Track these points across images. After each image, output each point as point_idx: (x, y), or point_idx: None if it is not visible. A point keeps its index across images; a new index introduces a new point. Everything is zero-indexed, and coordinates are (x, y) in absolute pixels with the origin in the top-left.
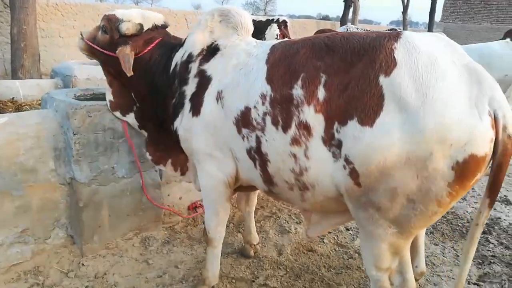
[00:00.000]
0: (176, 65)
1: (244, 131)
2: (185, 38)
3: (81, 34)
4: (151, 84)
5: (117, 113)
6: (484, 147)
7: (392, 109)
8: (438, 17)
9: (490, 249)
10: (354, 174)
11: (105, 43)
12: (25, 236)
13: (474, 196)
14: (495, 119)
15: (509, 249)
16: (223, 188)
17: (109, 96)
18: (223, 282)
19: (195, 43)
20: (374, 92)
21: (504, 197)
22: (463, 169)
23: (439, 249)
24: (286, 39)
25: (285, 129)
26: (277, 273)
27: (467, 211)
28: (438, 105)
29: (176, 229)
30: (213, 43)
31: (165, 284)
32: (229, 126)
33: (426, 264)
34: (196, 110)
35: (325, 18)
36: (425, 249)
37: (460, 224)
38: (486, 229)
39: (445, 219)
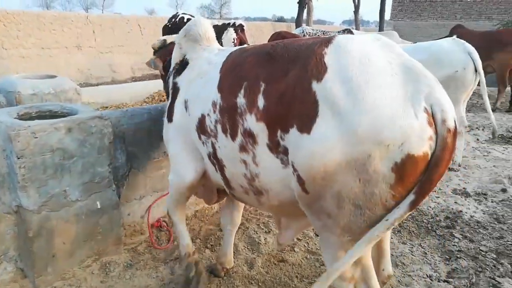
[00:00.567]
0: (167, 81)
1: (203, 137)
2: None
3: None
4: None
5: None
6: (422, 146)
7: (326, 114)
8: (388, 15)
9: (456, 244)
10: (300, 181)
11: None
12: None
13: (435, 191)
14: (433, 115)
15: (473, 242)
16: (186, 190)
17: None
18: None
19: (174, 59)
20: (308, 99)
21: (463, 190)
22: (403, 170)
23: (408, 247)
24: (244, 45)
25: (233, 136)
26: None
27: (430, 207)
28: (370, 106)
29: (139, 250)
30: (183, 58)
31: None
32: (194, 132)
33: (396, 265)
34: (170, 117)
35: (280, 19)
36: (393, 249)
37: (425, 221)
38: (450, 224)
39: (410, 217)
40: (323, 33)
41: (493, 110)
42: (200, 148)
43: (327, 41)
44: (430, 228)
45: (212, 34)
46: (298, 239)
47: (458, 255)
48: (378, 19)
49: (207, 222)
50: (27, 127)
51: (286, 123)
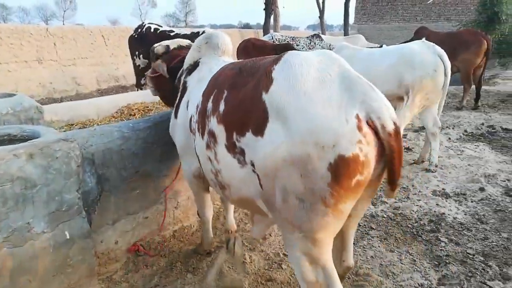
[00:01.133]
0: (178, 79)
1: (191, 135)
2: None
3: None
4: (171, 90)
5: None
6: (351, 148)
7: (274, 119)
8: (351, 19)
9: (443, 248)
10: (258, 178)
11: (151, 69)
12: None
13: (416, 194)
14: (373, 123)
15: (460, 245)
16: (194, 178)
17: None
18: None
19: (188, 60)
20: (260, 107)
21: (443, 191)
22: (337, 170)
23: (396, 255)
24: (236, 61)
25: (203, 135)
26: None
27: (413, 210)
28: (308, 112)
29: (114, 279)
30: (198, 60)
31: None
32: (188, 130)
33: (387, 275)
34: (176, 114)
35: (246, 26)
36: (382, 258)
37: (409, 225)
38: (434, 227)
39: (394, 222)
40: (292, 39)
41: (460, 109)
42: (190, 143)
43: (278, 58)
44: (415, 233)
45: (229, 48)
46: (284, 254)
47: (447, 260)
48: (342, 23)
49: (187, 242)
50: None
51: (242, 127)
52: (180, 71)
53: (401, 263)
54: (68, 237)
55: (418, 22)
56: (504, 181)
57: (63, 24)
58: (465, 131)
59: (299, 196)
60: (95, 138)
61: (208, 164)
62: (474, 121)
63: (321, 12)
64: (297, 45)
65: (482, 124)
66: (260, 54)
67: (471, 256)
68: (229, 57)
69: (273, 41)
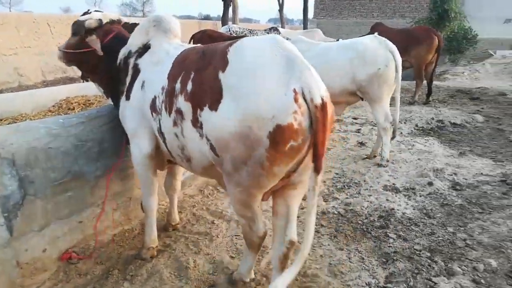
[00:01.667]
0: (120, 60)
1: (154, 115)
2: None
3: (58, 48)
4: (109, 71)
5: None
6: (287, 118)
7: (228, 96)
8: (311, 14)
9: (391, 245)
10: (213, 148)
11: (77, 43)
12: None
13: (367, 189)
14: (303, 95)
15: (407, 241)
16: (147, 159)
17: (100, 89)
18: None
19: (134, 42)
20: (216, 85)
21: (393, 185)
22: (275, 137)
23: (345, 254)
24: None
25: (170, 114)
26: None
27: (363, 206)
28: (253, 90)
29: None
30: (147, 42)
31: None
32: (147, 110)
33: (335, 275)
34: (128, 95)
35: (207, 17)
36: (331, 256)
37: (360, 222)
38: (384, 223)
39: (345, 219)
40: (250, 32)
41: (412, 103)
42: (152, 124)
43: (233, 42)
44: (365, 230)
45: (179, 32)
46: (231, 256)
47: (395, 257)
48: (302, 17)
49: (127, 247)
50: None
51: (202, 103)
52: (125, 52)
53: (350, 262)
54: None
55: (374, 18)
56: (451, 175)
57: (10, 10)
58: (416, 125)
59: (243, 162)
60: (17, 136)
61: (175, 141)
62: (425, 115)
63: (281, 5)
64: None
65: (432, 118)
66: None
67: (418, 252)
68: (179, 40)
69: (230, 33)
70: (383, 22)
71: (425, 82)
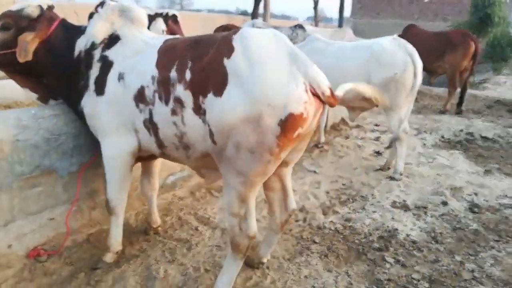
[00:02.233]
0: (80, 52)
1: (141, 105)
2: (85, 27)
3: None
4: (61, 65)
5: (51, 102)
6: (299, 108)
7: (233, 82)
8: (348, 13)
9: (386, 271)
10: (211, 134)
11: (7, 41)
12: None
13: (373, 204)
14: (314, 89)
15: (406, 267)
16: (127, 157)
17: (33, 95)
18: None
19: (97, 33)
20: (221, 71)
21: (403, 202)
22: (286, 125)
23: (332, 277)
24: (176, 36)
25: (167, 103)
26: None
27: (364, 224)
28: (265, 79)
29: None
30: (113, 33)
31: None
32: (129, 102)
33: None
34: (100, 90)
35: (244, 13)
36: (316, 278)
37: (357, 241)
38: (383, 245)
39: (341, 236)
40: (274, 28)
41: (443, 113)
42: (136, 117)
43: (236, 31)
44: (361, 251)
45: (146, 21)
46: (205, 270)
47: (387, 285)
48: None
49: (104, 248)
50: None
51: (205, 90)
52: (86, 44)
53: (335, 286)
54: None
55: (414, 20)
56: (471, 194)
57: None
58: (442, 137)
59: (250, 148)
60: None
61: (172, 129)
62: (454, 126)
63: (316, 3)
64: None
65: (461, 130)
66: None
67: (415, 282)
68: (146, 29)
69: None
70: (424, 25)
71: (458, 90)
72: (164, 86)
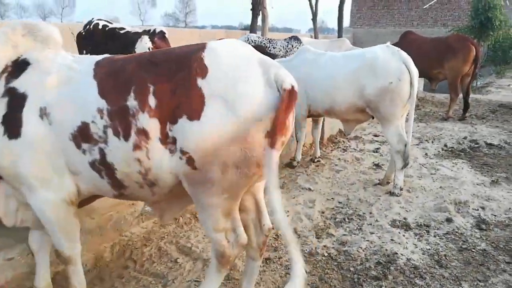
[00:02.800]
0: None
1: (84, 145)
2: None
3: None
4: None
5: None
6: (281, 115)
7: (212, 103)
8: (347, 23)
9: None
10: (190, 161)
11: None
12: None
13: (371, 224)
14: (277, 86)
15: None
16: (66, 206)
17: None
18: None
19: None
20: (196, 93)
21: (403, 221)
22: (272, 134)
23: None
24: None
25: (126, 137)
26: None
27: (361, 248)
28: (245, 92)
29: None
30: (19, 58)
31: None
32: (63, 143)
33: None
34: (13, 132)
35: (246, 28)
36: None
37: (352, 269)
38: (380, 272)
39: (335, 264)
40: (269, 41)
41: (445, 120)
42: (75, 159)
43: (202, 47)
44: (356, 280)
45: (59, 40)
46: None
47: None
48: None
49: None
50: None
51: (175, 116)
52: None
53: None
54: None
55: (414, 27)
56: (477, 209)
57: (61, 21)
58: (445, 145)
59: (237, 166)
60: None
61: (136, 167)
62: (457, 134)
63: (314, 14)
64: (274, 47)
65: (465, 138)
66: None
67: None
68: (61, 49)
69: (249, 43)
70: (424, 31)
71: (461, 95)
72: (121, 118)
